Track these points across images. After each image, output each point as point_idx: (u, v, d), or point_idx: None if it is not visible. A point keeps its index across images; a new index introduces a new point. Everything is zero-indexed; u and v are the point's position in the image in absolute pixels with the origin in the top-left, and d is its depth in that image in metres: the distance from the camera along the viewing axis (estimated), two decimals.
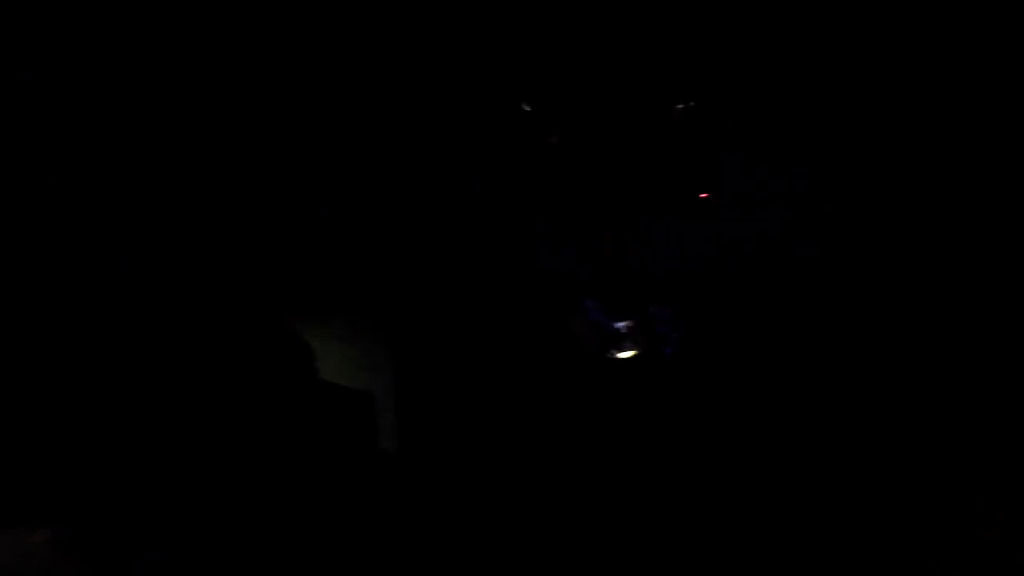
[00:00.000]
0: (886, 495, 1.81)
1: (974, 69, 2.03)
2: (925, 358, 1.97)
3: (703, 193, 2.08)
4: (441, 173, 2.16)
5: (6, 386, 2.12)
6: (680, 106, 2.04)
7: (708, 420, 2.06)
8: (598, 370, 2.12)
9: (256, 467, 2.05)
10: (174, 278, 2.27)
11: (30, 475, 2.05)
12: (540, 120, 2.11)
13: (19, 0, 2.18)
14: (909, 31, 2.07)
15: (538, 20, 2.10)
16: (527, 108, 2.11)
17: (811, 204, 2.09)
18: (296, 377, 2.21)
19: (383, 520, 2.07)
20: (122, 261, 2.28)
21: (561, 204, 2.11)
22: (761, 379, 2.06)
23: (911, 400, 1.93)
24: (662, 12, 2.08)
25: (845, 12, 2.06)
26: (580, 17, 2.08)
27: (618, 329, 2.11)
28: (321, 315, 2.34)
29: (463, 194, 2.15)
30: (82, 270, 2.28)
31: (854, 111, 2.08)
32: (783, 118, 2.10)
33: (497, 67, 2.13)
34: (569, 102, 2.11)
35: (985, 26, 2.04)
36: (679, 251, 2.11)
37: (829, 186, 2.09)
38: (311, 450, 2.10)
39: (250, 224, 2.31)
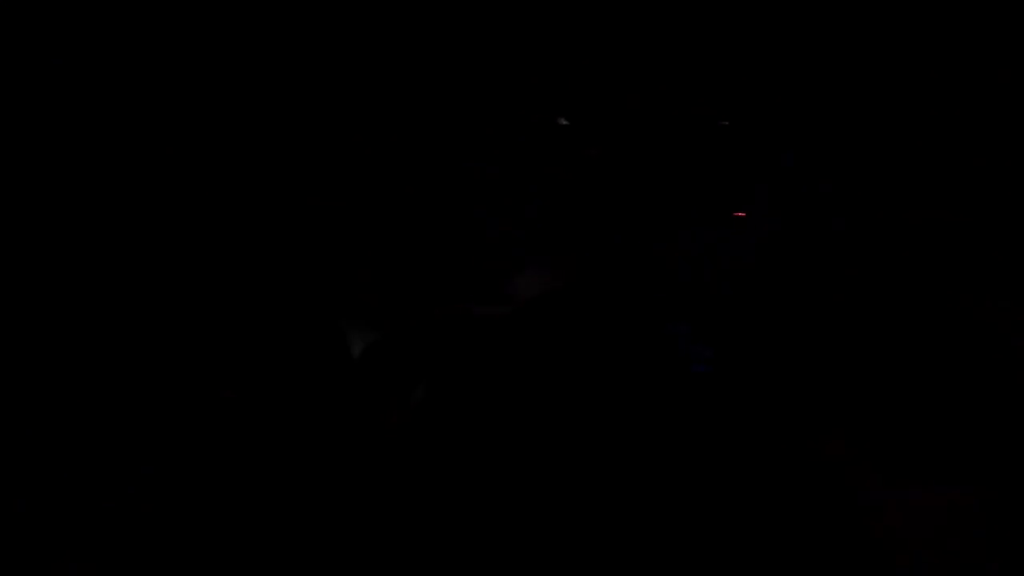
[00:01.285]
0: None
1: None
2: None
3: (739, 212, 2.06)
4: (477, 185, 2.17)
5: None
6: (724, 123, 2.02)
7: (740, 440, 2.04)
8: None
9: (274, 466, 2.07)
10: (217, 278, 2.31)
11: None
12: (577, 133, 2.11)
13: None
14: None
15: (582, 36, 2.09)
16: (564, 121, 2.10)
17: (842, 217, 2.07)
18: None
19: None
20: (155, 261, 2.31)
21: (595, 217, 2.11)
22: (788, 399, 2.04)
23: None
24: (708, 33, 2.07)
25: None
26: (624, 35, 2.07)
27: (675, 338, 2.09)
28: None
29: (501, 205, 2.16)
30: (87, 269, 2.32)
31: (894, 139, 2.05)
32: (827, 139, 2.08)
33: (534, 80, 2.13)
34: (607, 116, 2.10)
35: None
36: (703, 268, 2.10)
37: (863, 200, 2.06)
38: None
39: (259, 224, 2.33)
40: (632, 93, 2.09)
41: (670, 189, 2.08)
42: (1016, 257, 1.93)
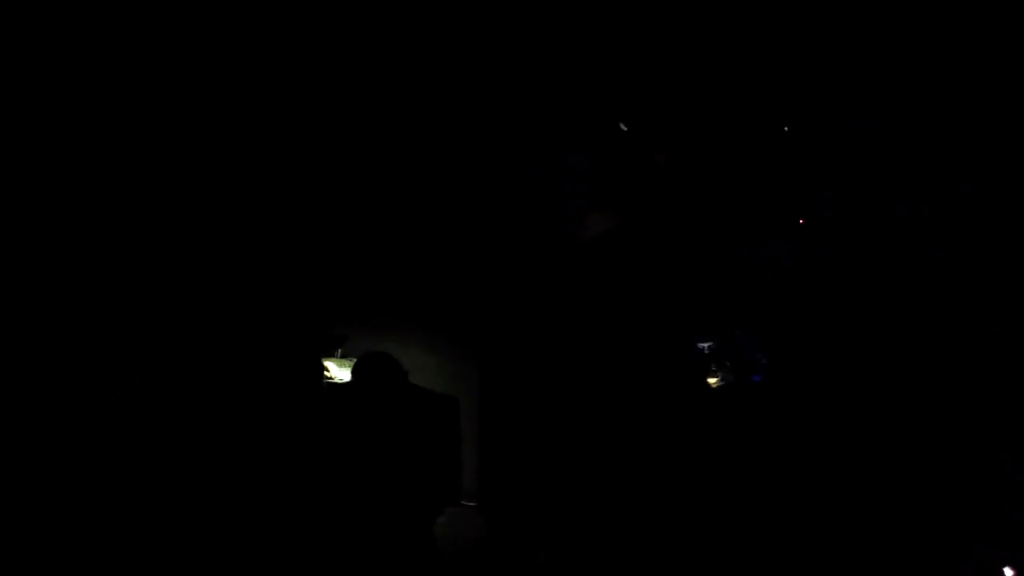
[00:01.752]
0: None
1: None
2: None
3: (800, 219, 2.08)
4: (534, 190, 2.15)
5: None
6: (786, 128, 2.05)
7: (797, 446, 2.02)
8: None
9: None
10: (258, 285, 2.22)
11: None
12: (637, 139, 2.11)
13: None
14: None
15: (651, 47, 2.12)
16: (624, 127, 2.11)
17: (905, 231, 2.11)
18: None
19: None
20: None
21: (661, 221, 2.10)
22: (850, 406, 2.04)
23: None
24: (769, 45, 2.12)
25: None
26: (694, 46, 2.11)
27: (702, 350, 2.07)
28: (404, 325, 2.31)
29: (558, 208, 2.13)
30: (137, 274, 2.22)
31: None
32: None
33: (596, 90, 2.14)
34: (670, 123, 2.12)
35: None
36: (769, 274, 2.10)
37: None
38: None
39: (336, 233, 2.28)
40: (697, 103, 2.11)
41: (735, 197, 2.09)
42: None
